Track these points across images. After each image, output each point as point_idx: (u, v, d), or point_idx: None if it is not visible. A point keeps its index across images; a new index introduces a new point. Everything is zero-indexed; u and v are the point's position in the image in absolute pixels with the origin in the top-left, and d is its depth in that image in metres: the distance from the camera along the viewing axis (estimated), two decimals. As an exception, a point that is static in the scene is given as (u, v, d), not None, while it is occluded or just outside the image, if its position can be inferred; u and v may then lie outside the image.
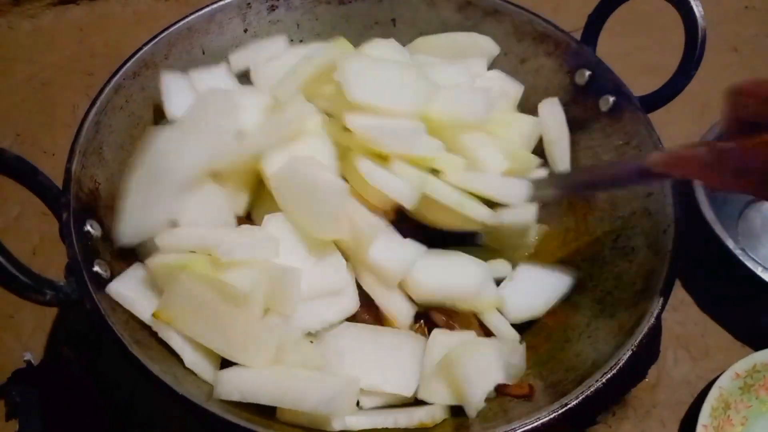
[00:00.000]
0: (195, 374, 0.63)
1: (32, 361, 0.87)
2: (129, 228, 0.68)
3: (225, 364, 0.64)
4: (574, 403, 0.60)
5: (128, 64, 0.77)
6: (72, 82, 1.23)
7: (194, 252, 0.65)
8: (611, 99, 0.84)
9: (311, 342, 0.67)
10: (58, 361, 0.88)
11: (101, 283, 0.63)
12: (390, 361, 0.67)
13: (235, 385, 0.61)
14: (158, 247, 0.66)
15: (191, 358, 0.63)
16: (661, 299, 0.67)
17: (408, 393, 0.66)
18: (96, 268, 0.63)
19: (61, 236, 0.63)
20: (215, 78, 0.85)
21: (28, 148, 1.13)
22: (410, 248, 0.71)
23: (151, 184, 0.69)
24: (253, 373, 0.62)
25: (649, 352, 0.89)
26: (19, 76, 1.23)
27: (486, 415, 0.66)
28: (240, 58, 0.88)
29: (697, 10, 0.76)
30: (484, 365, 0.66)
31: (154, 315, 0.63)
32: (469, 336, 0.72)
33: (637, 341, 0.64)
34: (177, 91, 0.80)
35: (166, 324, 0.63)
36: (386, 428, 0.63)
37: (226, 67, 0.87)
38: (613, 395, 0.88)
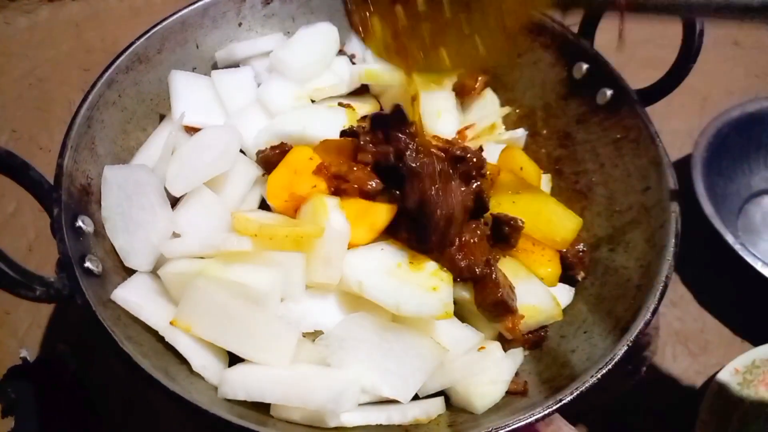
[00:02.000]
0: (192, 373, 0.63)
1: (28, 358, 0.87)
2: (139, 257, 0.68)
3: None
4: (568, 398, 0.59)
5: (121, 59, 0.77)
6: (68, 78, 1.22)
7: (203, 258, 0.66)
8: (609, 92, 0.83)
9: (312, 341, 0.66)
10: (53, 358, 0.88)
11: (93, 278, 0.63)
12: (394, 361, 0.64)
13: (240, 384, 0.61)
14: (166, 257, 0.66)
15: (199, 362, 0.63)
16: (658, 294, 0.66)
17: (405, 400, 0.64)
18: (87, 264, 0.63)
19: (53, 232, 0.63)
20: (238, 79, 0.84)
21: (24, 144, 1.13)
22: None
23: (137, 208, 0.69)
24: (259, 372, 0.62)
25: (647, 347, 0.88)
26: (15, 71, 1.23)
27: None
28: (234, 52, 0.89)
29: (696, 1, 0.75)
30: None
31: (171, 323, 0.62)
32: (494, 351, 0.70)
33: (633, 336, 0.63)
34: (185, 91, 0.81)
35: (186, 331, 0.63)
36: (380, 425, 0.63)
37: (251, 69, 0.86)
38: (612, 391, 0.88)
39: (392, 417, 0.63)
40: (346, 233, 0.67)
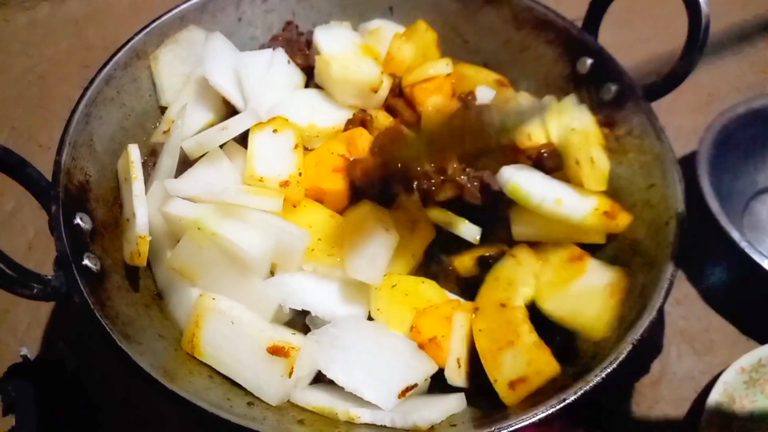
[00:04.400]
0: (191, 372, 0.62)
1: (28, 356, 0.86)
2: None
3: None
4: (572, 398, 0.58)
5: (119, 55, 0.76)
6: (68, 75, 1.22)
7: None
8: (613, 88, 0.82)
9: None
10: (54, 356, 0.87)
11: (91, 276, 0.62)
12: (382, 367, 0.64)
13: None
14: (171, 193, 0.67)
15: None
16: (663, 292, 0.66)
17: (386, 407, 0.61)
18: (86, 262, 0.62)
19: (50, 229, 0.62)
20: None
21: (24, 142, 1.12)
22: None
23: None
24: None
25: (651, 346, 0.87)
26: (15, 69, 1.22)
27: (483, 411, 0.65)
28: None
29: (701, -4, 0.74)
30: None
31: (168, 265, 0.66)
32: None
33: (638, 335, 0.62)
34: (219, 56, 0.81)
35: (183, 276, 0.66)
36: (384, 426, 0.61)
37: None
38: (616, 390, 0.87)
39: (395, 420, 0.61)
40: (393, 239, 0.69)
